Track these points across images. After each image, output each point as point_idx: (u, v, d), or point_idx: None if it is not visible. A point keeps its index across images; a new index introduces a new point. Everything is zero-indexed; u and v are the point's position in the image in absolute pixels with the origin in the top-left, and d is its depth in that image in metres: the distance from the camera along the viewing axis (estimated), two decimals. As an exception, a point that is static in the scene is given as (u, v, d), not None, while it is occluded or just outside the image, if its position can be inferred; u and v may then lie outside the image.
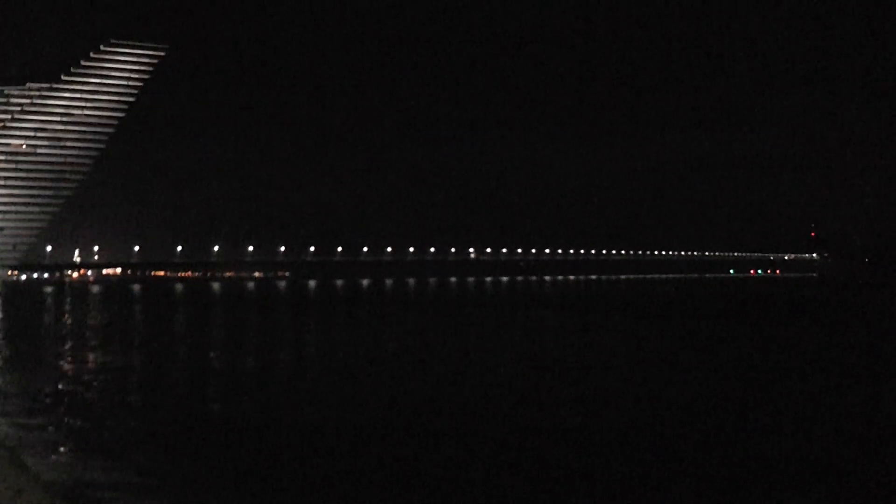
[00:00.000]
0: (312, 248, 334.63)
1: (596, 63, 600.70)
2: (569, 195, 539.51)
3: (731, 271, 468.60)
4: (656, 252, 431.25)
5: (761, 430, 34.08)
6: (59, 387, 45.59)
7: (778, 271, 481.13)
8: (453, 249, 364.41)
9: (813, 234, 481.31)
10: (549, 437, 32.45)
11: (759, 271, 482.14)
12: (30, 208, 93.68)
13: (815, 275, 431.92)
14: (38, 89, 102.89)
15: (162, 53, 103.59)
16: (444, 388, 45.24)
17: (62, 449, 30.39)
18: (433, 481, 26.00)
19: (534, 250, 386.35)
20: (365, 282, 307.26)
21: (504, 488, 25.73)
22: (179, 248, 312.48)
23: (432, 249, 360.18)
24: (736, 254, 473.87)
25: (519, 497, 24.74)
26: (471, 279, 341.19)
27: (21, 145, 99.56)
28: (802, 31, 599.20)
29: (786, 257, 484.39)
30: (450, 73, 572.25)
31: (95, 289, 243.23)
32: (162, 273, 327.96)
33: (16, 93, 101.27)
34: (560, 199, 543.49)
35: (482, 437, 32.51)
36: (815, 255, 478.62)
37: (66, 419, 35.88)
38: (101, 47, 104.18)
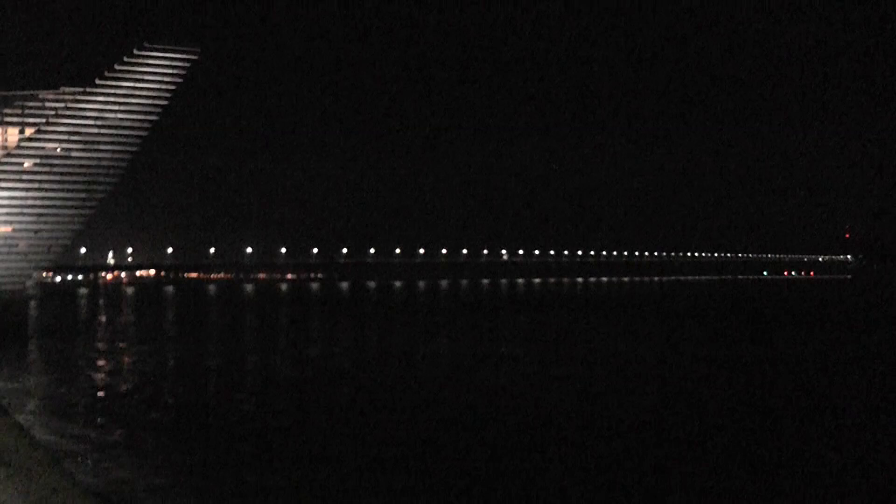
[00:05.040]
0: (345, 250, 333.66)
1: (631, 64, 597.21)
2: (603, 197, 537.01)
3: (765, 273, 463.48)
4: (689, 254, 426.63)
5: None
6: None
7: (812, 273, 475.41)
8: (486, 251, 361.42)
9: (847, 235, 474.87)
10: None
11: (793, 273, 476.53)
12: (64, 211, 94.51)
13: (848, 277, 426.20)
14: (73, 93, 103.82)
15: (195, 57, 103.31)
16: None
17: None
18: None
19: (566, 252, 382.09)
20: (398, 283, 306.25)
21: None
22: (212, 249, 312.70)
23: (465, 251, 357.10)
24: (770, 255, 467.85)
25: None
26: (503, 281, 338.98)
27: (55, 149, 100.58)
28: (842, 29, 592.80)
29: (820, 259, 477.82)
30: (488, 77, 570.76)
31: (129, 290, 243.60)
32: (195, 275, 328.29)
33: (50, 97, 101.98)
34: (593, 202, 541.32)
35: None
36: (849, 256, 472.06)
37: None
38: (135, 51, 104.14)
